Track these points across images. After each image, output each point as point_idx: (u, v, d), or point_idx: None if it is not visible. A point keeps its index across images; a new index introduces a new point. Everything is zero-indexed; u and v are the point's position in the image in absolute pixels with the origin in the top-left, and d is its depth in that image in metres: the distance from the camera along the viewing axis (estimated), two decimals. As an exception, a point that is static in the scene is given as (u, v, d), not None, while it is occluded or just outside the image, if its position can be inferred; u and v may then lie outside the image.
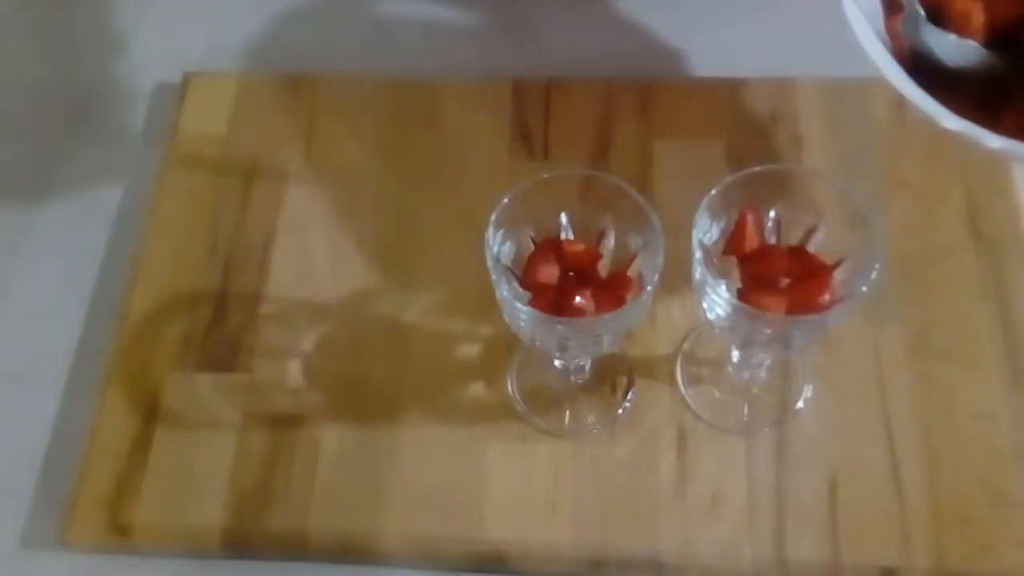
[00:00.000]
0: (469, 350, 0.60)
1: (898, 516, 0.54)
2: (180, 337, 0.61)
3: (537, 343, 0.50)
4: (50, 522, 0.57)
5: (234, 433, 0.58)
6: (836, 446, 0.56)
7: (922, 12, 0.53)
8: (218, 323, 0.61)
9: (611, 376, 0.59)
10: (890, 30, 0.53)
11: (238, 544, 0.55)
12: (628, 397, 0.58)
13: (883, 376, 0.57)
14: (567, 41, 0.73)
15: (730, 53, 0.70)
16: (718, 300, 0.48)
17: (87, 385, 0.60)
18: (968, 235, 0.61)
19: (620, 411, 0.58)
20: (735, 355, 0.57)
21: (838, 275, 0.49)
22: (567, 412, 0.59)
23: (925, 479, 0.54)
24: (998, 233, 0.61)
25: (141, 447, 0.58)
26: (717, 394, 0.58)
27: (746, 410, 0.58)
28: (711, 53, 0.71)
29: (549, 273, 0.51)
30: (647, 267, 0.49)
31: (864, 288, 0.46)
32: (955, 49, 0.52)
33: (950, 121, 0.47)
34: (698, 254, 0.48)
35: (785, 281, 0.50)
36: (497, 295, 0.49)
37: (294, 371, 0.59)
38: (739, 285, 0.50)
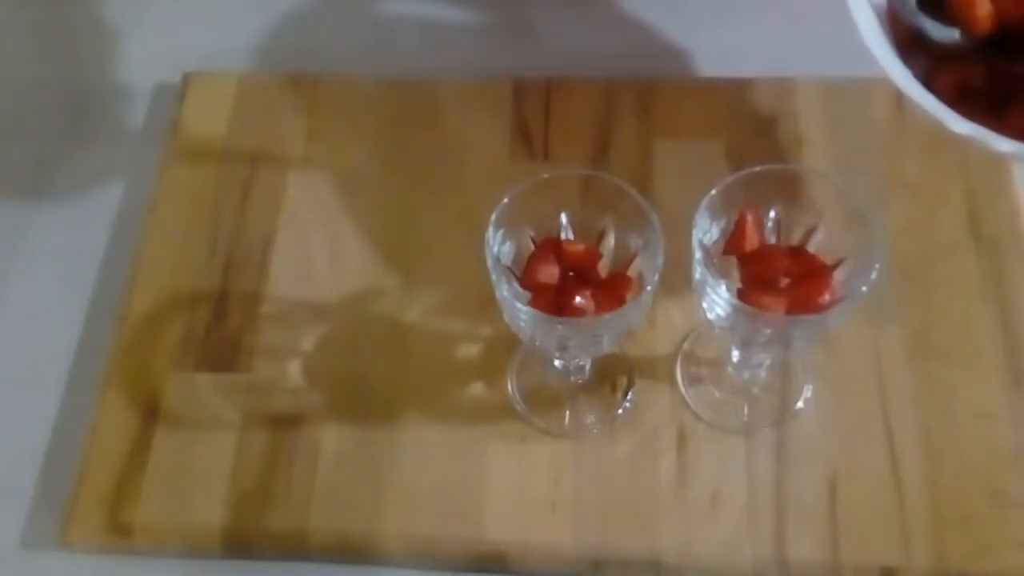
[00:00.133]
0: (469, 350, 0.60)
1: (898, 516, 0.54)
2: (180, 337, 0.61)
3: (537, 343, 0.50)
4: (50, 522, 0.57)
5: (234, 433, 0.58)
6: (836, 446, 0.56)
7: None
8: (218, 323, 0.61)
9: (611, 376, 0.59)
10: (891, 17, 0.53)
11: (238, 544, 0.55)
12: (628, 397, 0.58)
13: (883, 376, 0.57)
14: (567, 41, 0.73)
15: (730, 53, 0.70)
16: (718, 300, 0.48)
17: (87, 385, 0.60)
18: (968, 235, 0.61)
19: (620, 411, 0.58)
20: (735, 355, 0.57)
21: (838, 275, 0.49)
22: (567, 412, 0.59)
23: (925, 479, 0.54)
24: (998, 233, 0.61)
25: (141, 447, 0.58)
26: (717, 394, 0.58)
27: (746, 410, 0.58)
28: (711, 53, 0.71)
29: (549, 273, 0.51)
30: (647, 267, 0.49)
31: (864, 288, 0.46)
32: (952, 40, 0.52)
33: (959, 125, 0.47)
34: (698, 254, 0.48)
35: (785, 281, 0.50)
36: (497, 295, 0.49)
37: (294, 371, 0.59)
38: (739, 285, 0.50)
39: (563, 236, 0.52)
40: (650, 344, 0.59)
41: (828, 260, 0.50)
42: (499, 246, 0.50)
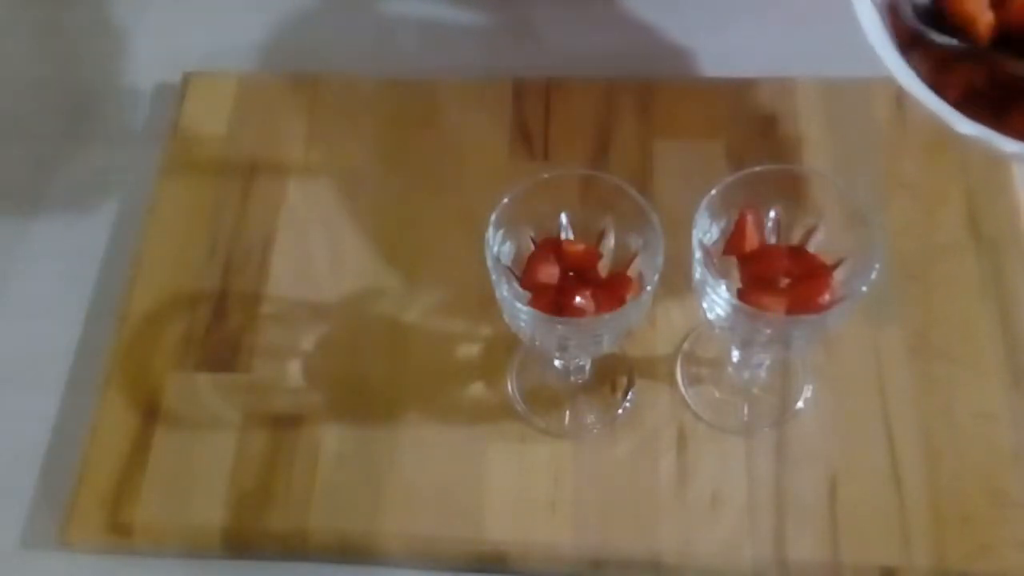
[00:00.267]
0: (469, 350, 0.60)
1: (898, 516, 0.54)
2: (180, 337, 0.61)
3: (537, 343, 0.50)
4: (50, 522, 0.57)
5: (234, 433, 0.58)
6: (836, 446, 0.56)
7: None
8: (218, 323, 0.61)
9: (611, 376, 0.59)
10: (893, 18, 0.53)
11: (238, 544, 0.55)
12: (628, 397, 0.58)
13: (883, 376, 0.57)
14: (567, 41, 0.73)
15: (730, 53, 0.70)
16: (718, 300, 0.48)
17: (87, 385, 0.60)
18: (968, 235, 0.61)
19: (620, 411, 0.58)
20: (735, 355, 0.57)
21: (838, 275, 0.49)
22: (567, 412, 0.59)
23: (925, 479, 0.54)
24: (998, 233, 0.61)
25: (141, 447, 0.58)
26: (717, 394, 0.58)
27: (746, 410, 0.58)
28: (711, 53, 0.71)
29: (549, 273, 0.51)
30: (647, 267, 0.49)
31: (864, 288, 0.46)
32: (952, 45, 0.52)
33: (963, 126, 0.47)
34: (698, 254, 0.48)
35: (785, 281, 0.50)
36: (497, 295, 0.49)
37: (294, 371, 0.59)
38: (739, 285, 0.50)
39: (563, 236, 0.52)
40: (650, 344, 0.59)
41: (828, 260, 0.50)
42: (499, 246, 0.50)
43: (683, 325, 0.60)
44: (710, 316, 0.50)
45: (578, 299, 0.49)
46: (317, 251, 0.63)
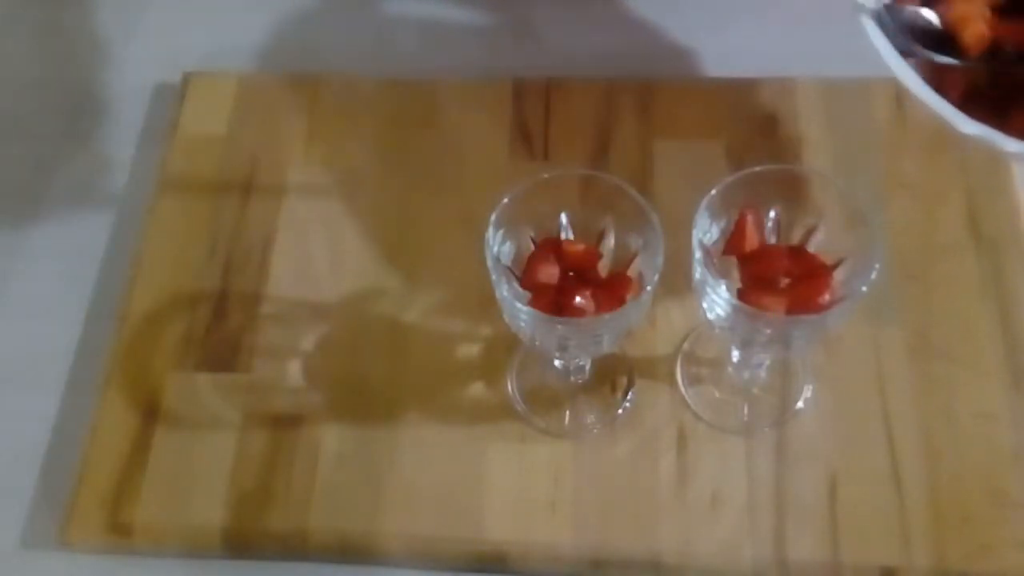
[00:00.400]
0: (469, 350, 0.60)
1: (898, 516, 0.54)
2: (180, 337, 0.61)
3: (537, 343, 0.50)
4: (50, 522, 0.57)
5: (234, 433, 0.58)
6: (836, 446, 0.56)
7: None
8: (218, 323, 0.61)
9: (611, 376, 0.59)
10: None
11: (238, 544, 0.55)
12: (628, 397, 0.58)
13: (883, 376, 0.57)
14: (567, 41, 0.73)
15: (730, 53, 0.70)
16: (718, 300, 0.48)
17: (87, 385, 0.60)
18: (968, 235, 0.61)
19: (620, 411, 0.58)
20: (735, 355, 0.57)
21: (838, 275, 0.49)
22: (567, 412, 0.59)
23: (925, 479, 0.54)
24: (998, 233, 0.61)
25: (141, 447, 0.58)
26: (717, 394, 0.58)
27: (746, 410, 0.58)
28: (711, 53, 0.71)
29: (549, 273, 0.51)
30: (647, 267, 0.49)
31: (864, 288, 0.46)
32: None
33: (967, 126, 0.47)
34: (698, 254, 0.48)
35: (785, 281, 0.50)
36: (497, 295, 0.49)
37: (294, 371, 0.59)
38: (739, 285, 0.50)
39: (563, 236, 0.52)
40: (650, 344, 0.59)
41: (828, 260, 0.50)
42: (499, 246, 0.50)
43: (683, 325, 0.60)
44: (710, 316, 0.50)
45: (578, 299, 0.49)
46: (317, 251, 0.63)
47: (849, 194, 0.49)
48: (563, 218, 0.52)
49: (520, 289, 0.51)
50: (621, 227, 0.51)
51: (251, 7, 0.75)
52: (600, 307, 0.49)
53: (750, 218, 0.50)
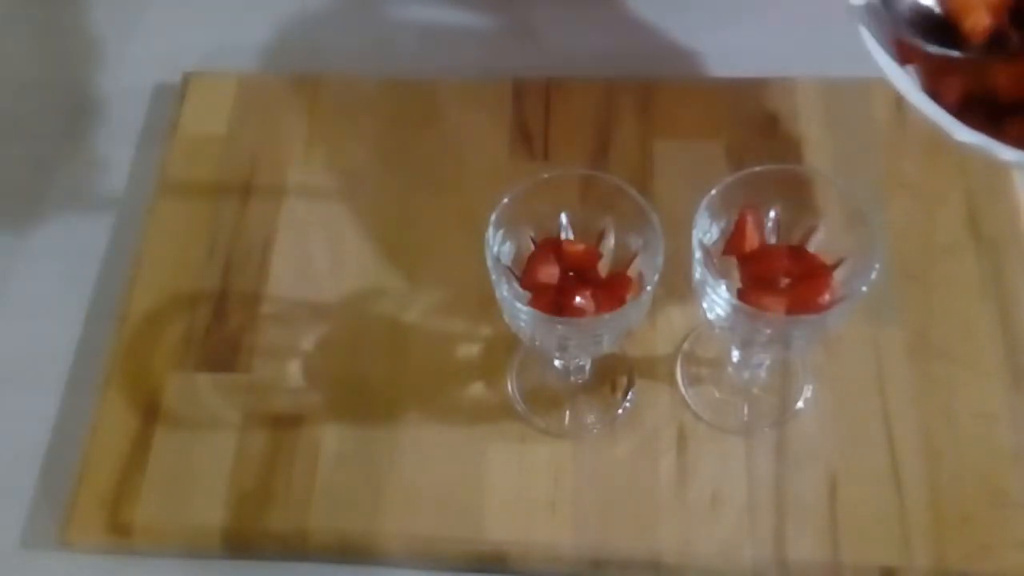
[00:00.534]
0: (469, 350, 0.60)
1: (898, 516, 0.54)
2: (180, 337, 0.61)
3: (537, 343, 0.50)
4: (50, 522, 0.57)
5: (234, 433, 0.58)
6: (836, 446, 0.56)
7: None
8: (218, 323, 0.61)
9: (611, 376, 0.59)
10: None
11: (238, 544, 0.55)
12: (628, 397, 0.58)
13: (883, 376, 0.57)
14: (567, 41, 0.73)
15: (730, 53, 0.70)
16: (718, 300, 0.48)
17: (87, 385, 0.60)
18: (968, 235, 0.61)
19: (620, 411, 0.58)
20: (735, 355, 0.57)
21: (838, 275, 0.49)
22: (567, 412, 0.59)
23: (925, 479, 0.54)
24: (998, 233, 0.61)
25: (141, 447, 0.58)
26: (717, 394, 0.58)
27: (746, 410, 0.58)
28: (711, 53, 0.71)
29: (549, 273, 0.51)
30: (647, 267, 0.49)
31: (864, 288, 0.46)
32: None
33: (961, 134, 0.48)
34: (698, 254, 0.48)
35: (785, 281, 0.50)
36: (497, 295, 0.49)
37: (294, 371, 0.59)
38: (739, 285, 0.50)
39: (563, 236, 0.52)
40: (650, 344, 0.59)
41: (828, 260, 0.50)
42: (499, 246, 0.50)
43: (683, 325, 0.60)
44: (710, 316, 0.50)
45: (578, 299, 0.49)
46: (317, 251, 0.63)
47: (849, 194, 0.49)
48: (563, 218, 0.52)
49: (520, 289, 0.51)
50: (621, 227, 0.51)
51: (251, 7, 0.75)
52: (600, 307, 0.49)
53: (750, 218, 0.50)
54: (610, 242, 0.52)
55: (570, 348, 0.51)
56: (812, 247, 0.51)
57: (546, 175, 0.50)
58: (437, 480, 0.56)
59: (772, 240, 0.51)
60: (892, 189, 0.63)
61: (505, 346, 0.59)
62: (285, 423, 0.58)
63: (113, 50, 0.75)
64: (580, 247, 0.52)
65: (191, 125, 0.69)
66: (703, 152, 0.65)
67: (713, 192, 0.49)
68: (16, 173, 0.70)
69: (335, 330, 0.61)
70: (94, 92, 0.73)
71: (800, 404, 0.57)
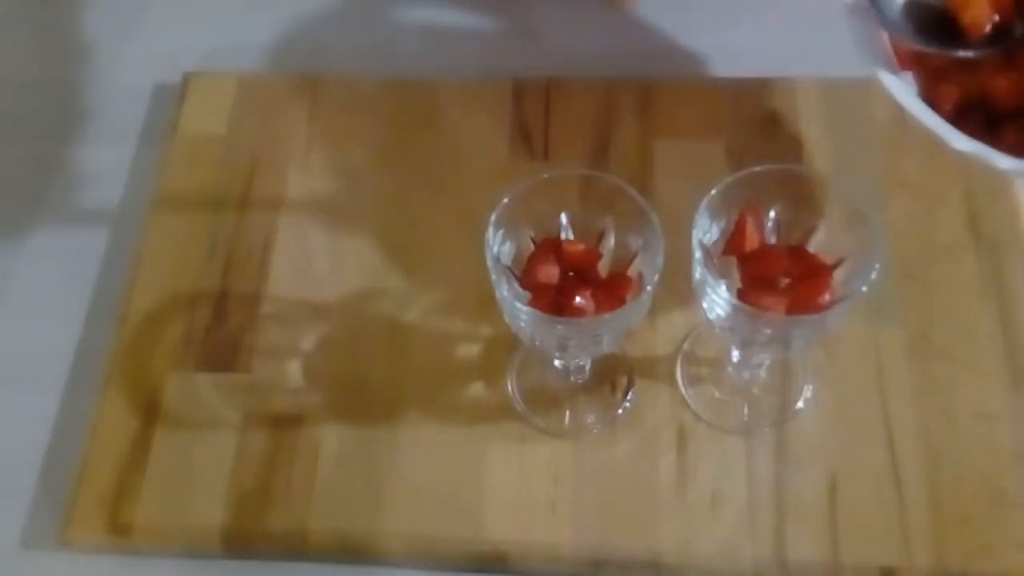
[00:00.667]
0: (469, 350, 0.60)
1: (898, 516, 0.54)
2: (180, 337, 0.61)
3: (537, 343, 0.50)
4: (50, 522, 0.57)
5: (234, 433, 0.58)
6: (836, 446, 0.56)
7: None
8: (218, 323, 0.61)
9: (611, 376, 0.59)
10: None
11: (238, 544, 0.55)
12: (628, 397, 0.58)
13: (883, 376, 0.57)
14: (567, 41, 0.73)
15: (730, 53, 0.70)
16: (718, 300, 0.48)
17: (87, 385, 0.60)
18: (968, 235, 0.61)
19: (620, 411, 0.58)
20: (735, 355, 0.57)
21: (838, 275, 0.49)
22: (567, 412, 0.59)
23: (925, 479, 0.54)
24: (998, 233, 0.61)
25: (141, 447, 0.58)
26: (717, 394, 0.58)
27: (746, 410, 0.58)
28: (711, 53, 0.71)
29: (549, 273, 0.51)
30: (647, 267, 0.49)
31: (864, 288, 0.46)
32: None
33: (959, 142, 0.48)
34: (698, 254, 0.48)
35: (785, 281, 0.50)
36: (497, 295, 0.49)
37: (294, 371, 0.59)
38: (739, 285, 0.50)
39: (563, 236, 0.52)
40: (650, 344, 0.59)
41: (828, 260, 0.50)
42: (499, 246, 0.50)
43: (683, 325, 0.60)
44: (710, 316, 0.50)
45: (578, 299, 0.49)
46: (317, 251, 0.63)
47: (849, 194, 0.49)
48: (563, 218, 0.52)
49: (520, 289, 0.51)
50: (621, 227, 0.51)
51: (251, 7, 0.75)
52: (600, 307, 0.49)
53: (750, 218, 0.50)
54: (610, 242, 0.52)
55: (570, 348, 0.51)
56: (812, 247, 0.51)
57: (546, 175, 0.50)
58: (437, 480, 0.56)
59: (772, 240, 0.51)
60: (892, 189, 0.63)
61: (505, 346, 0.59)
62: (285, 423, 0.58)
63: (113, 50, 0.75)
64: (580, 247, 0.52)
65: (191, 125, 0.69)
66: (703, 152, 0.65)
67: (713, 192, 0.49)
68: (16, 173, 0.70)
69: (335, 330, 0.61)
70: (94, 92, 0.73)
71: (800, 404, 0.57)
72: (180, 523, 0.56)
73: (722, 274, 0.50)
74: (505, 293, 0.48)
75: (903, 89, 0.50)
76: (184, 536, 0.56)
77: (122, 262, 0.64)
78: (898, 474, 0.55)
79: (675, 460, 0.56)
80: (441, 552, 0.55)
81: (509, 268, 0.51)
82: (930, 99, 0.52)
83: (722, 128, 0.65)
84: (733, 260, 0.51)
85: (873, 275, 0.46)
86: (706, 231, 0.49)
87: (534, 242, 0.52)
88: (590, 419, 0.58)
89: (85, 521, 0.56)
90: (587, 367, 0.58)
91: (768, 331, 0.49)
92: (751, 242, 0.50)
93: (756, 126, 0.66)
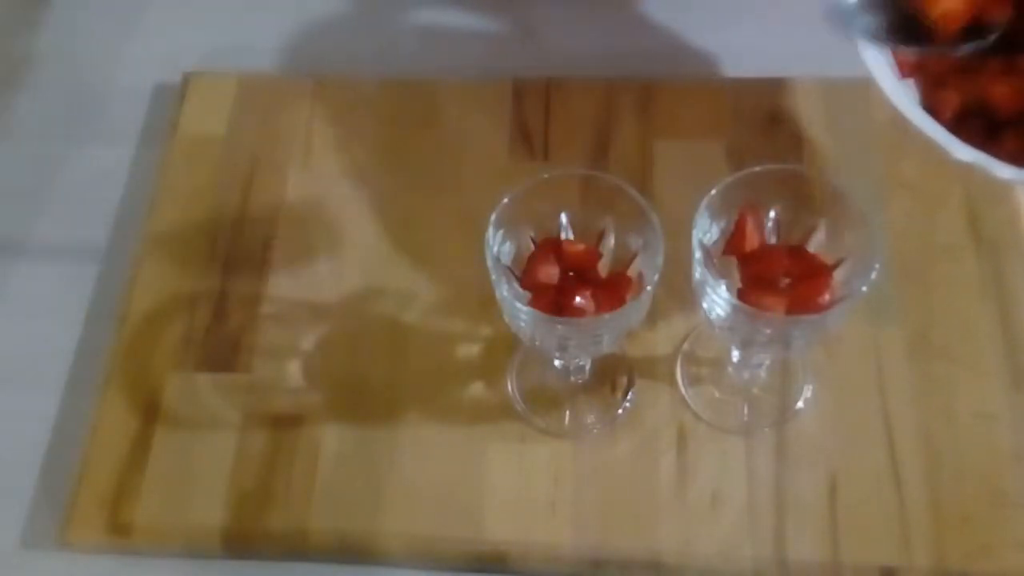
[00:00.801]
0: (469, 350, 0.60)
1: (898, 516, 0.54)
2: (180, 337, 0.61)
3: (537, 343, 0.50)
4: (50, 522, 0.57)
5: (234, 433, 0.58)
6: (836, 446, 0.56)
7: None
8: (218, 323, 0.61)
9: (611, 376, 0.59)
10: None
11: (238, 544, 0.55)
12: (628, 397, 0.58)
13: (883, 376, 0.57)
14: (567, 41, 0.73)
15: (730, 53, 0.70)
16: (718, 300, 0.48)
17: (87, 385, 0.60)
18: (968, 235, 0.61)
19: (620, 411, 0.58)
20: (735, 355, 0.57)
21: (838, 275, 0.49)
22: (567, 412, 0.59)
23: (925, 479, 0.54)
24: (998, 234, 0.61)
25: (141, 447, 0.58)
26: (717, 394, 0.58)
27: (746, 410, 0.58)
28: (711, 53, 0.71)
29: (549, 273, 0.51)
30: (647, 267, 0.49)
31: (864, 288, 0.46)
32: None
33: (960, 152, 0.48)
34: (698, 254, 0.48)
35: (785, 281, 0.50)
36: (497, 295, 0.49)
37: (294, 371, 0.59)
38: (739, 285, 0.50)
39: (563, 236, 0.52)
40: (650, 344, 0.59)
41: (828, 260, 0.50)
42: (499, 246, 0.50)
43: (683, 325, 0.60)
44: (710, 316, 0.50)
45: (578, 299, 0.49)
46: (317, 251, 0.63)
47: (849, 194, 0.49)
48: (563, 218, 0.52)
49: (520, 289, 0.51)
50: (621, 227, 0.51)
51: (251, 7, 0.75)
52: (600, 307, 0.49)
53: (750, 218, 0.50)
54: (610, 242, 0.52)
55: (570, 348, 0.51)
56: (812, 247, 0.51)
57: (546, 175, 0.50)
58: (437, 480, 0.56)
59: (772, 240, 0.51)
60: (892, 189, 0.63)
61: (505, 346, 0.59)
62: (285, 423, 0.58)
63: (113, 50, 0.75)
64: (580, 247, 0.52)
65: (191, 125, 0.69)
66: (703, 152, 0.65)
67: (713, 192, 0.49)
68: (16, 173, 0.70)
69: (335, 330, 0.61)
70: (94, 92, 0.73)
71: (800, 404, 0.57)
72: (180, 523, 0.56)
73: (722, 274, 0.50)
74: (505, 293, 0.48)
75: (904, 97, 0.51)
76: (184, 536, 0.56)
77: (122, 262, 0.64)
78: (898, 474, 0.55)
79: (675, 460, 0.56)
80: (441, 552, 0.55)
81: (509, 268, 0.51)
82: (930, 106, 0.52)
83: (722, 128, 0.65)
84: (733, 260, 0.51)
85: (873, 275, 0.46)
86: (706, 231, 0.49)
87: (534, 242, 0.52)
88: (590, 419, 0.58)
89: (85, 521, 0.56)
90: (587, 367, 0.58)
91: (768, 331, 0.49)
92: (751, 242, 0.50)
93: (756, 126, 0.66)
